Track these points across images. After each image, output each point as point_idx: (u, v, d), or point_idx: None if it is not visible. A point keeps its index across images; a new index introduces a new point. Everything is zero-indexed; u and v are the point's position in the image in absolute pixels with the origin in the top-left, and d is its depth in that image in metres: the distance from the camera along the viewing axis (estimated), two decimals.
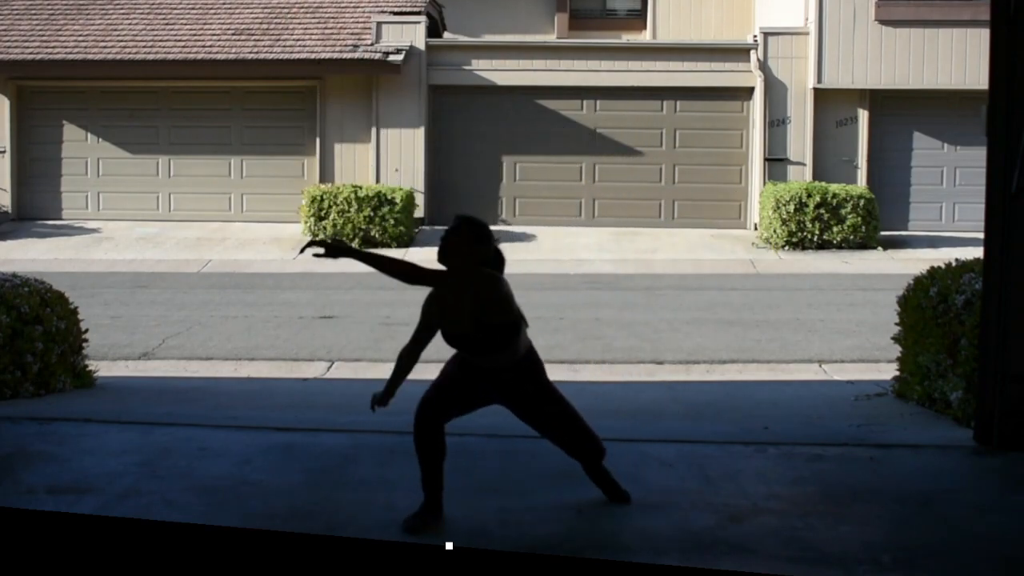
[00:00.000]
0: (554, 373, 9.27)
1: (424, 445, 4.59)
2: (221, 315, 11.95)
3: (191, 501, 4.82)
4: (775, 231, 16.89)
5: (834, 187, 17.01)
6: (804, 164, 18.10)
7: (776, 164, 18.14)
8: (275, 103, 18.89)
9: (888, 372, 7.92)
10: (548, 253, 16.85)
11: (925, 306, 6.89)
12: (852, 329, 11.00)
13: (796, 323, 11.42)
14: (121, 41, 18.72)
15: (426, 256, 17.31)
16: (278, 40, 18.63)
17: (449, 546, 3.79)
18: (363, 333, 10.90)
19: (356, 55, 18.13)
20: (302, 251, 4.82)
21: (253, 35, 18.83)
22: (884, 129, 18.26)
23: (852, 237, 16.76)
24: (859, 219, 16.73)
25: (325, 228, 17.12)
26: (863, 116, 18.20)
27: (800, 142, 18.13)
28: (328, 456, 5.56)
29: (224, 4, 19.97)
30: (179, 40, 18.74)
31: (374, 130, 18.41)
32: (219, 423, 6.37)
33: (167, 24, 19.30)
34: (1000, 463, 5.50)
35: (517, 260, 16.80)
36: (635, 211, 18.57)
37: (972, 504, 4.89)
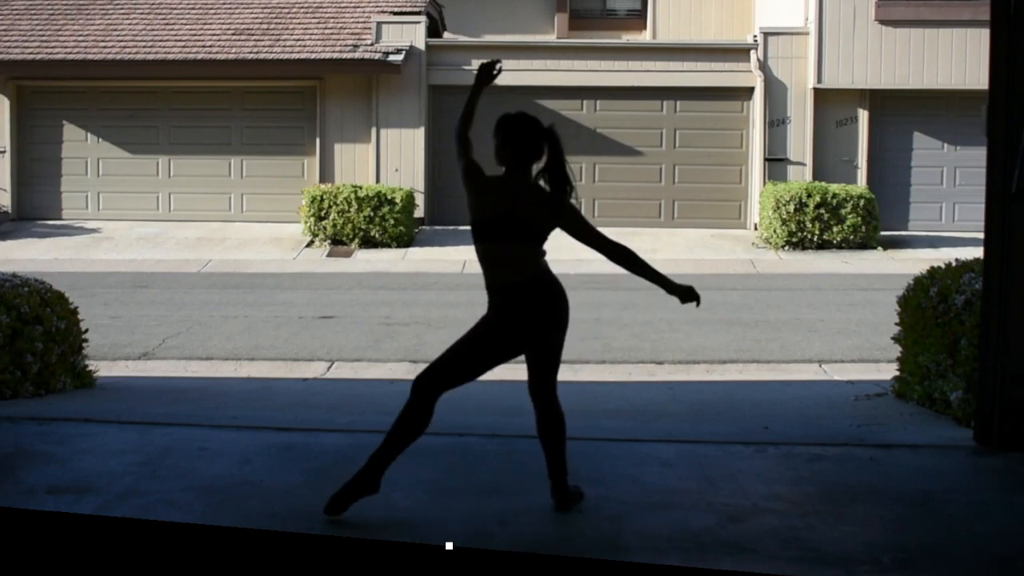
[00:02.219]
0: None
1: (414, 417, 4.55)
2: (221, 315, 11.95)
3: (191, 501, 4.82)
4: (775, 231, 16.89)
5: (834, 187, 17.02)
6: (804, 164, 18.11)
7: (776, 164, 18.14)
8: (275, 103, 18.89)
9: (888, 372, 7.92)
10: (548, 253, 16.82)
11: (925, 306, 6.89)
12: (852, 329, 11.01)
13: (796, 323, 11.42)
14: (121, 41, 18.73)
15: (425, 256, 17.36)
16: (278, 40, 18.63)
17: (449, 546, 3.79)
18: (363, 333, 10.90)
19: (356, 55, 18.14)
20: None
21: (253, 35, 18.84)
22: (884, 129, 18.27)
23: (852, 237, 16.76)
24: (859, 219, 16.73)
25: (325, 228, 17.12)
26: (863, 116, 18.21)
27: (800, 142, 18.14)
28: (328, 456, 5.56)
29: (224, 4, 19.98)
30: (179, 40, 18.74)
31: (374, 130, 18.42)
32: (219, 423, 6.36)
33: (167, 24, 19.31)
34: (1000, 463, 5.50)
35: None
36: (635, 211, 18.57)
37: (972, 504, 4.89)
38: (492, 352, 4.59)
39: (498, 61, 4.98)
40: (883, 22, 17.82)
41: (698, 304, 4.71)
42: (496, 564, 3.78)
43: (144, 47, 18.53)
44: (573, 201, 4.82)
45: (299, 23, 19.24)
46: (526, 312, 4.59)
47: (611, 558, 4.10)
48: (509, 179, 4.81)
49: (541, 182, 4.81)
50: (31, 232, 18.09)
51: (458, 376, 4.59)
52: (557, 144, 4.80)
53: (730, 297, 13.26)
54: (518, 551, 4.14)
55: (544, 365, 4.70)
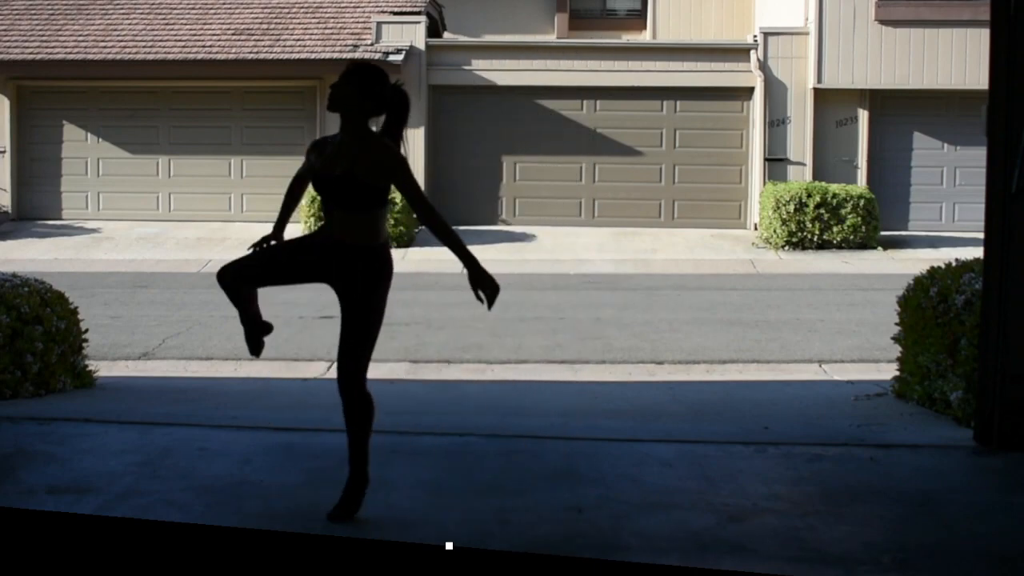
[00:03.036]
0: (554, 373, 9.33)
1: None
2: (221, 315, 11.95)
3: (191, 501, 4.82)
4: (775, 231, 16.89)
5: (834, 187, 17.02)
6: (804, 164, 18.11)
7: (776, 164, 18.15)
8: (275, 103, 18.89)
9: (888, 372, 7.92)
10: (548, 253, 16.85)
11: (925, 306, 6.89)
12: (852, 329, 11.01)
13: (796, 323, 11.42)
14: (121, 41, 18.73)
15: (425, 256, 17.34)
16: (278, 40, 18.63)
17: (449, 546, 3.79)
18: None
19: (356, 55, 18.13)
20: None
21: (253, 35, 18.84)
22: (884, 129, 18.27)
23: (852, 237, 16.76)
24: (859, 219, 16.74)
25: None
26: (863, 116, 18.21)
27: (800, 142, 18.14)
28: (328, 456, 5.56)
29: (224, 4, 19.98)
30: (179, 40, 18.74)
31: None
32: (219, 423, 6.37)
33: (167, 24, 19.31)
34: (1000, 463, 5.50)
35: (517, 260, 16.84)
36: (635, 211, 18.57)
37: (972, 504, 4.89)
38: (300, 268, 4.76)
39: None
40: (883, 22, 17.82)
41: (490, 306, 4.49)
42: (496, 564, 3.77)
43: (144, 47, 18.52)
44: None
45: (299, 23, 19.24)
46: (351, 274, 4.59)
47: (611, 558, 4.10)
48: (351, 137, 4.77)
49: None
50: (31, 232, 18.09)
51: (260, 277, 4.77)
52: (407, 105, 4.76)
53: (730, 297, 13.26)
54: (518, 551, 4.14)
55: (347, 328, 4.76)
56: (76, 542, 3.72)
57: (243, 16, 19.55)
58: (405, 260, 16.35)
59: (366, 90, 4.72)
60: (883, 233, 17.24)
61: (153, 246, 17.19)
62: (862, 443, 5.92)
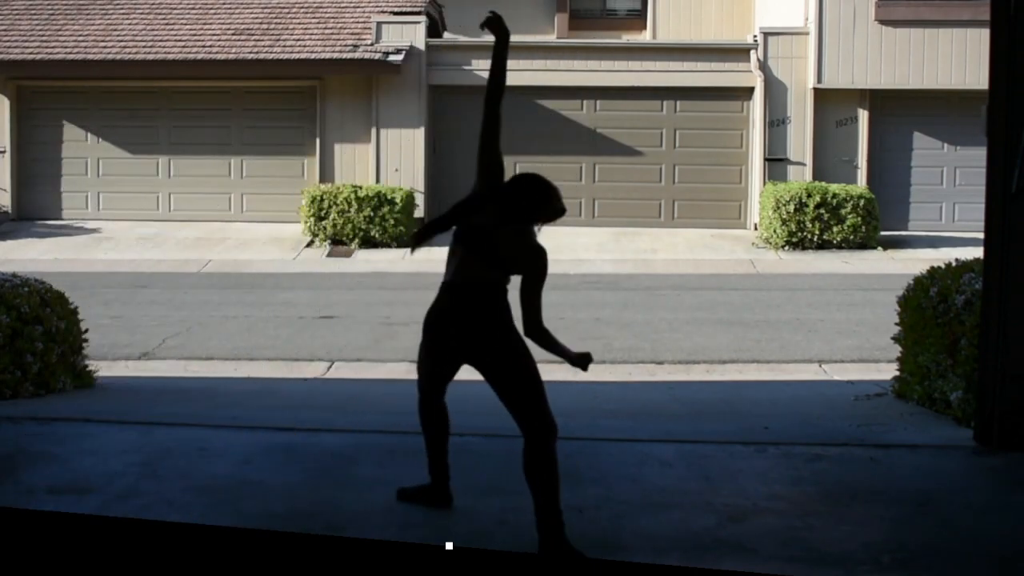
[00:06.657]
0: (554, 373, 9.29)
1: (424, 421, 4.74)
2: (221, 315, 11.95)
3: (191, 501, 4.82)
4: (775, 231, 16.89)
5: (834, 187, 17.02)
6: (804, 164, 18.10)
7: (776, 164, 18.14)
8: (275, 103, 18.89)
9: (888, 372, 7.92)
10: (548, 253, 16.82)
11: (925, 306, 6.89)
12: (852, 329, 11.01)
13: (796, 323, 11.42)
14: (121, 41, 18.72)
15: (425, 256, 17.27)
16: (278, 40, 18.63)
17: (449, 546, 3.79)
18: (363, 333, 10.90)
19: (356, 55, 18.14)
20: (413, 250, 5.00)
21: (253, 35, 18.83)
22: (884, 129, 18.26)
23: (852, 237, 16.76)
24: (859, 219, 16.73)
25: (325, 228, 17.12)
26: (863, 116, 18.20)
27: (800, 142, 18.13)
28: (328, 456, 5.57)
29: (224, 4, 19.97)
30: (179, 40, 18.74)
31: (374, 130, 18.41)
32: (219, 423, 6.37)
33: (167, 24, 19.31)
34: (1000, 463, 5.50)
35: None
36: (635, 211, 18.57)
37: (972, 504, 4.89)
38: None
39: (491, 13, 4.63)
40: (883, 22, 17.82)
41: (585, 368, 4.54)
42: (496, 564, 3.77)
43: (144, 47, 18.52)
44: None
45: (299, 23, 19.24)
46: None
47: (611, 558, 4.10)
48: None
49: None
50: (31, 232, 18.09)
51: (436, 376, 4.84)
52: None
53: (730, 297, 13.26)
54: (518, 551, 4.14)
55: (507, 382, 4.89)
56: (76, 542, 3.72)
57: (243, 16, 19.54)
58: (405, 260, 16.35)
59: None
60: (883, 233, 17.23)
61: (153, 246, 17.19)
62: (862, 443, 5.92)
